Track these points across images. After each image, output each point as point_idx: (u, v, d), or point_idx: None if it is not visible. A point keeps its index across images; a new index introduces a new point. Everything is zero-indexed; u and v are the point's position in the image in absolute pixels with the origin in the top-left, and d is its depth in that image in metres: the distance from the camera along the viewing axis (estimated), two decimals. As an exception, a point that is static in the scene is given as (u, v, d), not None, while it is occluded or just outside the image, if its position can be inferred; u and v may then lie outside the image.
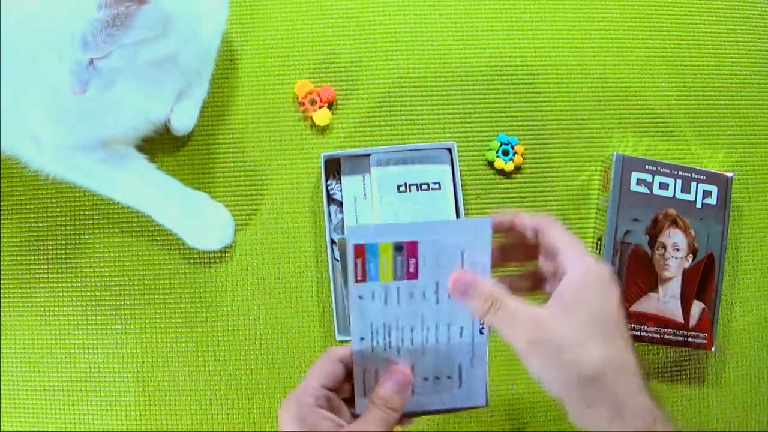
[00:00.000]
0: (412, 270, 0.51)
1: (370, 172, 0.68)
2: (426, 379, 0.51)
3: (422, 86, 0.73)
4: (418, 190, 0.68)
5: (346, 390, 0.49)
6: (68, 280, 0.69)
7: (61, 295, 0.69)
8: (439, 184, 0.68)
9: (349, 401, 0.49)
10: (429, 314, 0.51)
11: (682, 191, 0.69)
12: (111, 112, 0.61)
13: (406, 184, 0.68)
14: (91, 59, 0.51)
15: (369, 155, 0.68)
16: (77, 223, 0.70)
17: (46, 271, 0.69)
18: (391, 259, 0.51)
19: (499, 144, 0.71)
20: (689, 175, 0.70)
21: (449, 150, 0.69)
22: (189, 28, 0.58)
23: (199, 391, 0.68)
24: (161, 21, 0.53)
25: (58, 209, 0.70)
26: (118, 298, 0.69)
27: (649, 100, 0.74)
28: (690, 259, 0.69)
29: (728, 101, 0.75)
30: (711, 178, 0.70)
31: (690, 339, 0.68)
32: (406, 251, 0.51)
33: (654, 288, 0.68)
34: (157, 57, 0.56)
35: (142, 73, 0.58)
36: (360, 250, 0.50)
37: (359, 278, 0.51)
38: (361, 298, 0.51)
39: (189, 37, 0.59)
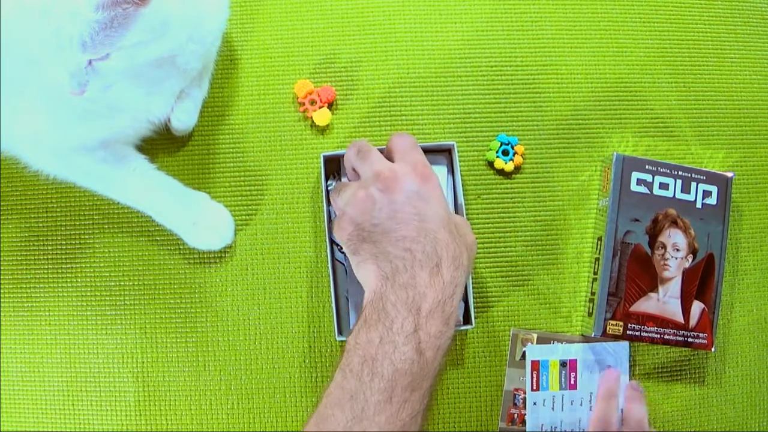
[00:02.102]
0: (572, 382, 0.67)
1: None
2: None
3: (422, 86, 0.73)
4: None
5: None
6: (68, 280, 0.69)
7: (61, 295, 0.69)
8: None
9: None
10: (585, 418, 0.66)
11: (682, 191, 0.69)
12: (110, 112, 0.61)
13: None
14: (90, 60, 0.51)
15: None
16: (77, 223, 0.70)
17: (46, 271, 0.70)
18: (557, 373, 0.67)
19: (499, 144, 0.71)
20: (689, 175, 0.69)
21: (449, 151, 0.68)
22: (188, 29, 0.58)
23: (199, 391, 0.68)
24: (160, 22, 0.53)
25: (58, 209, 0.70)
26: (118, 298, 0.69)
27: (649, 100, 0.74)
28: (690, 259, 0.69)
29: (728, 101, 0.75)
30: (711, 178, 0.70)
31: (690, 339, 0.68)
32: (569, 367, 0.67)
33: (654, 288, 0.68)
34: (156, 58, 0.55)
35: (141, 73, 0.58)
36: (536, 365, 0.67)
37: (534, 388, 0.67)
38: (535, 404, 0.67)
39: (188, 37, 0.59)
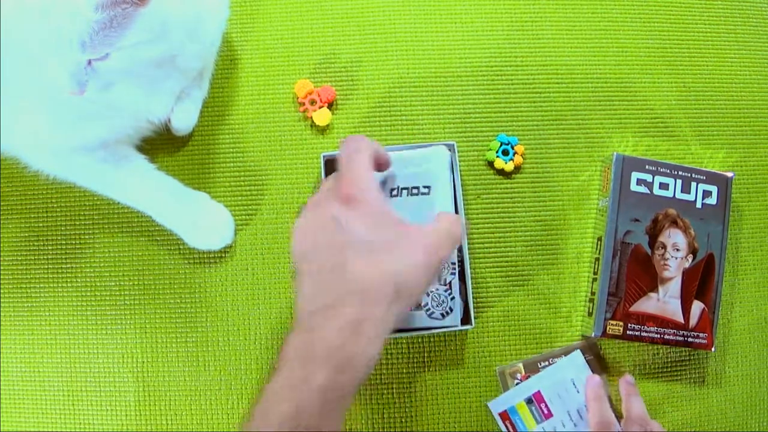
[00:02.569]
0: (546, 412, 0.66)
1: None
2: None
3: (422, 86, 0.73)
4: (408, 195, 0.64)
5: None
6: (68, 280, 0.69)
7: (61, 295, 0.69)
8: (429, 188, 0.64)
9: None
10: None
11: (682, 191, 0.69)
12: (110, 112, 0.61)
13: (398, 187, 0.64)
14: (90, 60, 0.51)
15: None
16: (77, 223, 0.70)
17: (46, 271, 0.70)
18: (528, 411, 0.66)
19: (499, 144, 0.71)
20: (689, 175, 0.70)
21: (449, 149, 0.68)
22: (188, 29, 0.58)
23: (199, 391, 0.68)
24: (159, 23, 0.53)
25: (58, 209, 0.70)
26: (118, 298, 0.69)
27: (649, 100, 0.74)
28: (690, 259, 0.69)
29: (728, 101, 0.75)
30: (711, 178, 0.70)
31: (690, 339, 0.68)
32: (535, 400, 0.67)
33: (654, 288, 0.68)
34: (156, 58, 0.56)
35: (141, 73, 0.58)
36: (505, 415, 0.67)
37: None
38: None
39: (188, 37, 0.59)
